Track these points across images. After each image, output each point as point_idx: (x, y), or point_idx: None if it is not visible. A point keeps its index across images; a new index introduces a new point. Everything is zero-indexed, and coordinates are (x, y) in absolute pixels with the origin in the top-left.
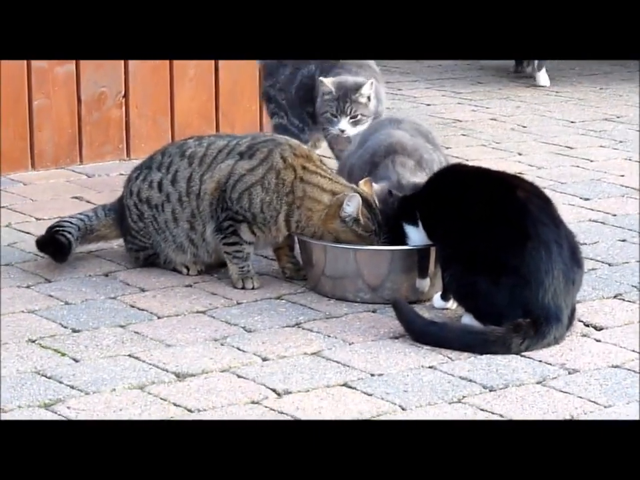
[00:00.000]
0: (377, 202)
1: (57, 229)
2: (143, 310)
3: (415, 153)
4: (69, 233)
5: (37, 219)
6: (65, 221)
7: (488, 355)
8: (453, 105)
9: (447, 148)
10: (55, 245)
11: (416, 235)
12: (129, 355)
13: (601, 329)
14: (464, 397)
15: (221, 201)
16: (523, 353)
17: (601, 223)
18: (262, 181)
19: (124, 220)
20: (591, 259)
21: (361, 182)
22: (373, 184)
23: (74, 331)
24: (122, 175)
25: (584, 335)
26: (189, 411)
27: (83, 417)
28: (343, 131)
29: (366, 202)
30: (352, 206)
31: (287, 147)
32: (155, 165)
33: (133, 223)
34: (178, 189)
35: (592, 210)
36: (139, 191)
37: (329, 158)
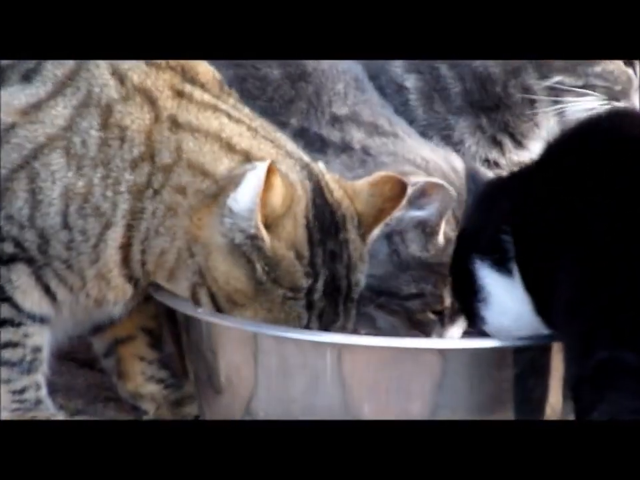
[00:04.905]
0: (354, 220)
1: None
2: None
3: None
4: None
5: None
6: None
7: None
8: None
9: None
10: None
11: (506, 299)
12: None
13: None
14: None
15: None
16: None
17: None
18: (63, 138)
19: None
20: None
21: (379, 175)
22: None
23: None
24: None
25: None
26: None
27: None
28: None
29: (327, 211)
30: (243, 194)
31: None
32: None
33: None
34: None
35: None
36: None
37: None
